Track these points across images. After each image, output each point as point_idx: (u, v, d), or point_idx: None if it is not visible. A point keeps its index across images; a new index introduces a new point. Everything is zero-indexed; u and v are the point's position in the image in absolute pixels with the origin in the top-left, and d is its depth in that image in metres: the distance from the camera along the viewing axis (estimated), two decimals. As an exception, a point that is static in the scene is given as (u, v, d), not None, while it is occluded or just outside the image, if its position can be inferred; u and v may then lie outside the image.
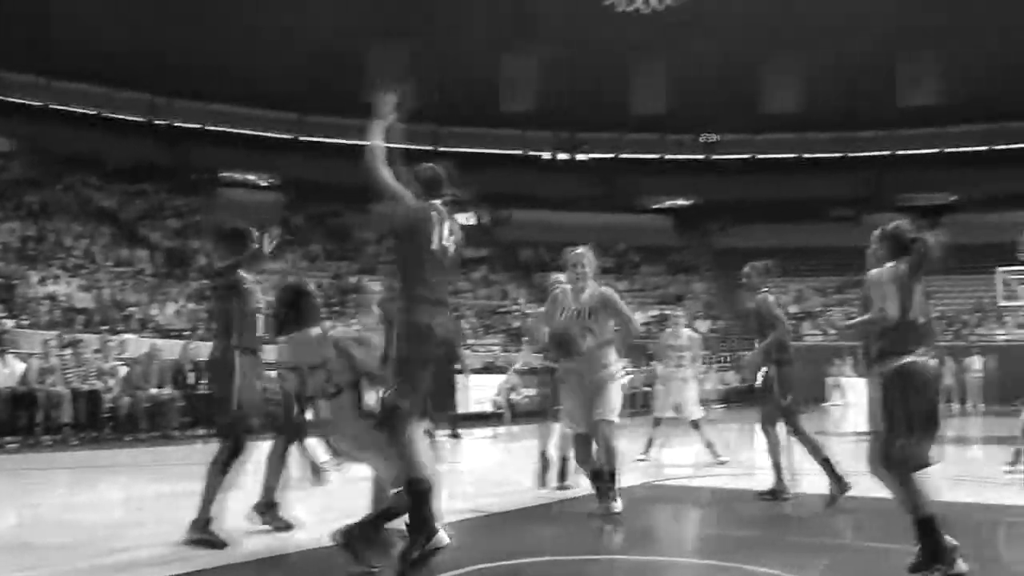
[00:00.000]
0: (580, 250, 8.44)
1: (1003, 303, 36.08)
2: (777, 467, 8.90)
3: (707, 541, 7.37)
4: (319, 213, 41.72)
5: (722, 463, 11.92)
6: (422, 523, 5.25)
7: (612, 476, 7.56)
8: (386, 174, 5.94)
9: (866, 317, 5.66)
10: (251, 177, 43.63)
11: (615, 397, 7.69)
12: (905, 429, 5.16)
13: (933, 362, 5.33)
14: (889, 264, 5.44)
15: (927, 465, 5.15)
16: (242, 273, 6.74)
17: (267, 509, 6.93)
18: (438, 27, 41.05)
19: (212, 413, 7.47)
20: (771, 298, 9.26)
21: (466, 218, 43.86)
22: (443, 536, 5.27)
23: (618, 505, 7.56)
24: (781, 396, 8.88)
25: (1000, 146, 46.54)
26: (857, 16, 40.13)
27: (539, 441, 9.62)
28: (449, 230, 5.96)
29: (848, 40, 41.04)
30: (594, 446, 7.73)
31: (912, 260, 5.44)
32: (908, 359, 5.23)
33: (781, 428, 8.94)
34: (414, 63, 43.40)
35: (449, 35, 41.45)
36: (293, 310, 6.36)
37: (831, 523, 7.83)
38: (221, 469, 6.41)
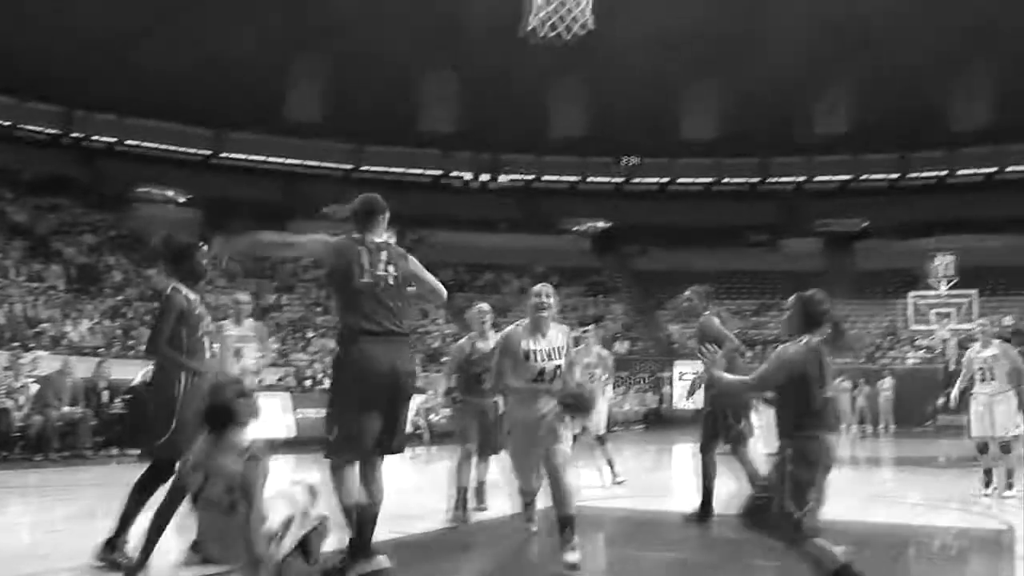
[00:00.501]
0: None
1: (914, 327, 36.86)
2: (708, 491, 8.93)
3: (658, 568, 7.19)
4: (237, 231, 41.25)
5: (618, 483, 11.99)
6: (362, 547, 5.25)
7: (572, 521, 6.44)
8: (293, 241, 6.05)
9: (746, 380, 5.85)
10: (168, 193, 42.99)
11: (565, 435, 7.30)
12: (807, 501, 5.19)
13: (834, 438, 5.41)
14: (803, 339, 5.47)
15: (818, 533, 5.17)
16: (187, 292, 6.62)
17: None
18: (358, 45, 40.91)
19: (144, 433, 7.21)
20: (715, 319, 9.20)
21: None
22: (383, 559, 5.27)
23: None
24: (735, 420, 8.93)
25: (912, 175, 47.63)
26: (775, 44, 40.79)
27: (458, 476, 9.00)
28: (385, 259, 5.89)
29: (766, 68, 41.69)
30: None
31: (827, 339, 5.53)
32: (821, 435, 5.28)
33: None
34: (334, 81, 43.32)
35: (369, 53, 41.34)
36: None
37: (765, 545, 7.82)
38: (144, 490, 6.23)
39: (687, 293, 9.47)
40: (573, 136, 45.57)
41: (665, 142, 46.93)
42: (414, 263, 6.08)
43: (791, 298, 5.70)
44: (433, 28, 40.36)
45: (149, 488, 6.20)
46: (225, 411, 5.04)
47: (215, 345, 7.54)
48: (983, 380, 11.40)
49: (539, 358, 6.78)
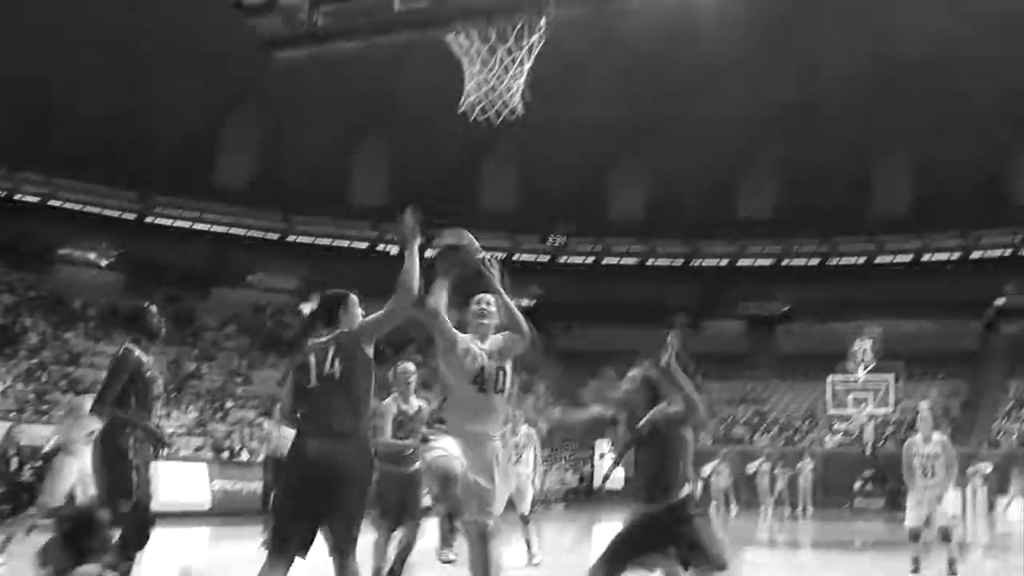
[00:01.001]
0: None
1: (832, 411, 37.31)
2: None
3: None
4: (160, 296, 40.74)
5: (535, 564, 11.91)
6: None
7: None
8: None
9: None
10: (91, 256, 42.33)
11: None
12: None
13: None
14: (656, 408, 5.56)
15: None
16: (140, 352, 6.52)
17: None
18: (291, 114, 41.00)
19: (105, 502, 6.91)
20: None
21: (309, 308, 43.46)
22: None
23: None
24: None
25: (835, 259, 48.45)
26: (703, 129, 41.61)
27: (375, 554, 8.48)
28: (332, 355, 5.85)
29: (694, 151, 42.50)
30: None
31: (681, 412, 5.62)
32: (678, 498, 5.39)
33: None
34: (264, 148, 43.27)
35: (302, 123, 41.43)
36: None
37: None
38: (124, 559, 6.04)
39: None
40: (504, 211, 45.86)
41: (594, 220, 47.36)
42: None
43: (635, 372, 5.80)
44: (367, 101, 40.63)
45: (130, 557, 6.04)
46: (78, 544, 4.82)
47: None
48: (924, 474, 11.53)
49: (479, 357, 6.49)
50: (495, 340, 6.68)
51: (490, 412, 6.39)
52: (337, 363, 5.76)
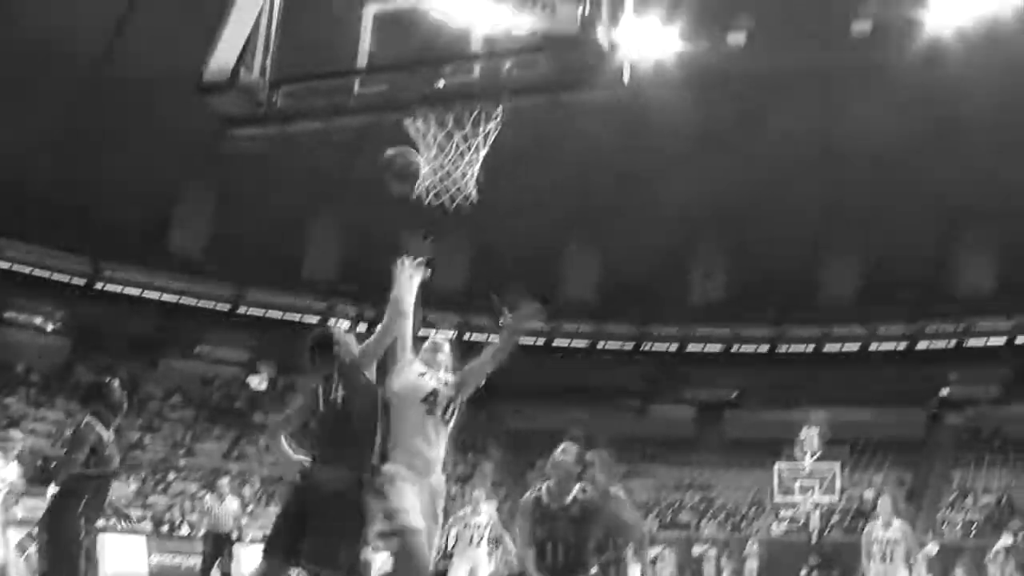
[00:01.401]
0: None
1: (779, 498, 37.33)
2: None
3: None
4: (106, 364, 40.22)
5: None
6: None
7: None
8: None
9: None
10: (36, 319, 41.82)
11: None
12: None
13: None
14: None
15: None
16: (101, 430, 6.44)
17: None
18: (246, 186, 40.99)
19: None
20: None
21: (258, 381, 43.12)
22: None
23: None
24: None
25: (782, 347, 48.84)
26: (653, 215, 42.10)
27: None
28: (336, 382, 6.12)
29: (645, 237, 42.95)
30: None
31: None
32: None
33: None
34: (218, 221, 43.17)
35: (257, 195, 41.42)
36: None
37: None
38: None
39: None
40: (454, 290, 45.89)
41: (544, 302, 47.48)
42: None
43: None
44: (322, 175, 40.78)
45: None
46: None
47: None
48: (882, 559, 11.56)
49: (434, 379, 6.55)
50: (453, 374, 6.79)
51: (438, 439, 6.33)
52: (340, 390, 5.95)
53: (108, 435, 6.48)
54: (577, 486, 7.83)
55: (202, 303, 46.77)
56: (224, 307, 47.30)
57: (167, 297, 45.98)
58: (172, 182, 41.27)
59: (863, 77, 37.50)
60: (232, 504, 17.13)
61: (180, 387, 40.05)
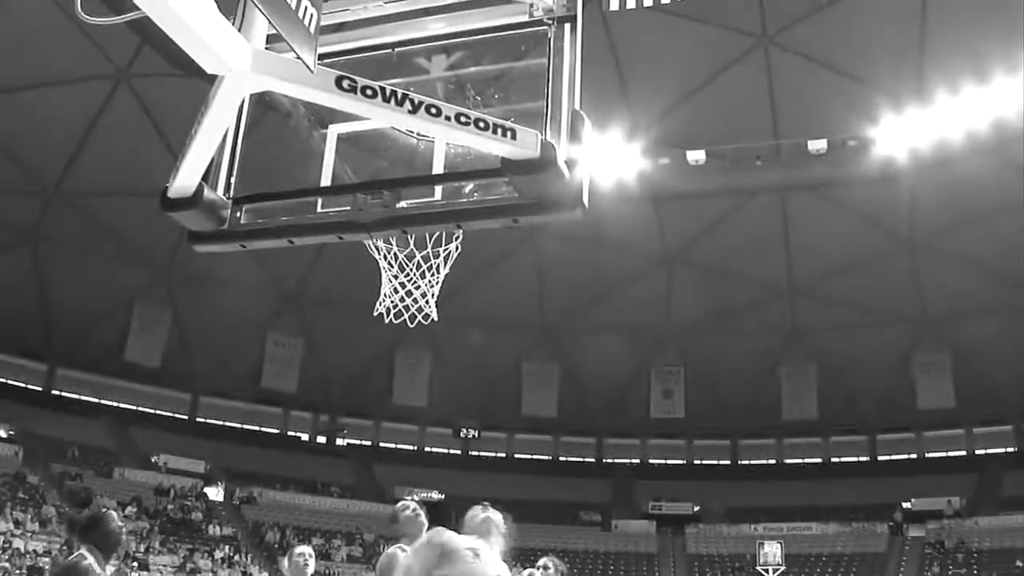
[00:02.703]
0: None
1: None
2: None
3: None
4: (59, 473, 39.52)
5: None
6: None
7: None
8: None
9: None
10: (-11, 428, 41.15)
11: None
12: None
13: None
14: None
15: None
16: (94, 565, 6.24)
17: None
18: (202, 300, 40.96)
19: None
20: None
21: (215, 492, 42.50)
22: None
23: None
24: None
25: (744, 461, 48.83)
26: (613, 329, 42.37)
27: None
28: None
29: (604, 349, 43.15)
30: None
31: None
32: None
33: None
34: (177, 333, 43.01)
35: (214, 309, 41.37)
36: None
37: None
38: None
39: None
40: (415, 404, 45.79)
41: (505, 417, 47.42)
42: None
43: None
44: (282, 288, 40.86)
45: None
46: None
47: None
48: None
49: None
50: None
51: None
52: None
53: (102, 573, 6.25)
54: None
55: (159, 412, 46.27)
56: (182, 416, 46.81)
57: (124, 406, 45.47)
58: (130, 292, 41.17)
59: (820, 194, 38.30)
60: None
61: (135, 498, 39.35)
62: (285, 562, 8.79)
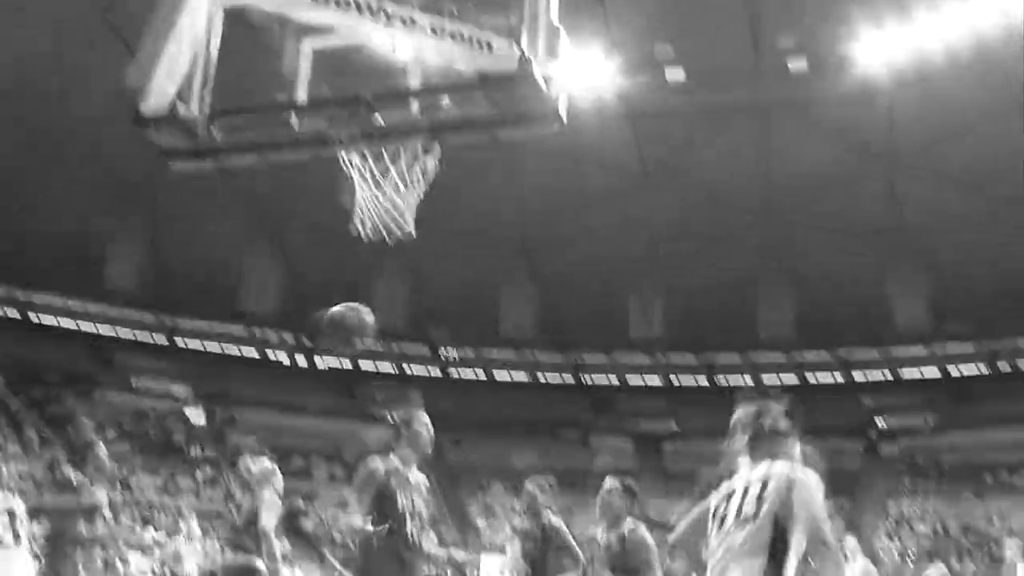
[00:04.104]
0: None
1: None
2: None
3: None
4: (39, 397, 39.53)
5: None
6: None
7: None
8: None
9: None
10: (-33, 355, 41.05)
11: None
12: None
13: None
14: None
15: None
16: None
17: None
18: (179, 220, 40.71)
19: None
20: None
21: (195, 415, 42.61)
22: None
23: None
24: None
25: (721, 379, 49.20)
26: (590, 247, 42.39)
27: None
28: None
29: (582, 268, 43.21)
30: None
31: None
32: None
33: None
34: (152, 252, 42.81)
35: (192, 230, 41.14)
36: None
37: None
38: None
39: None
40: (393, 325, 45.77)
41: (484, 335, 47.56)
42: None
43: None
44: (262, 207, 40.63)
45: None
46: None
47: None
48: None
49: None
50: None
51: None
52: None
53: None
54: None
55: (139, 336, 46.22)
56: (162, 340, 46.77)
57: (103, 330, 45.39)
58: (107, 214, 40.87)
59: (799, 112, 38.18)
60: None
61: (115, 421, 39.41)
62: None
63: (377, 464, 6.94)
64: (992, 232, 39.25)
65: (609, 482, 7.86)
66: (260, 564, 8.53)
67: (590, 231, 42.01)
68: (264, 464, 9.07)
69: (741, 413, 5.83)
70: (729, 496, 5.22)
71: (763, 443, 5.38)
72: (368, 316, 5.90)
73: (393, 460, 6.92)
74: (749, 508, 5.02)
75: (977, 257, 40.32)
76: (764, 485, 5.07)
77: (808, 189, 39.98)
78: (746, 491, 5.10)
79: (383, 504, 6.78)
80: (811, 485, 5.11)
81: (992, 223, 38.94)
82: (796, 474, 5.15)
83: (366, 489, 6.76)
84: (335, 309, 5.89)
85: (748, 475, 5.24)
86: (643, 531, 7.59)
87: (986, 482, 40.25)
